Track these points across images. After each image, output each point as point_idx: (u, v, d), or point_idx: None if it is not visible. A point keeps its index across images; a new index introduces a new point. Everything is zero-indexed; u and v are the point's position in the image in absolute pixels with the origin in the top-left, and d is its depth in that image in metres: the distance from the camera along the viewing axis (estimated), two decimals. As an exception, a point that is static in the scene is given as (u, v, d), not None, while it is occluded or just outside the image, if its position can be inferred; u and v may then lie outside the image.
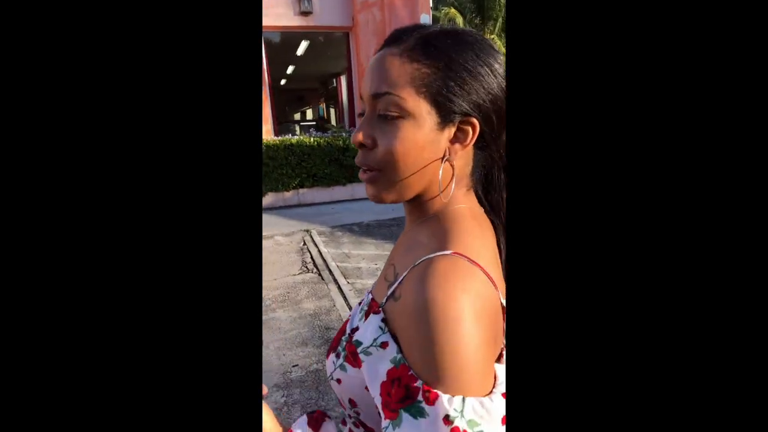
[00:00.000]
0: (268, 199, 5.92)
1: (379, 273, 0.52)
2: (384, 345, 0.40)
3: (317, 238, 4.37)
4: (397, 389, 0.37)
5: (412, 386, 0.36)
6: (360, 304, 0.49)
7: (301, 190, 6.05)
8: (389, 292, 0.43)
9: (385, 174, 0.44)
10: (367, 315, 0.45)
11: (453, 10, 11.32)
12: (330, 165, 5.97)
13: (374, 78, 0.43)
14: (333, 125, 6.38)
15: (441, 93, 0.42)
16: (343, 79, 9.25)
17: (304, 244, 4.27)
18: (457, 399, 0.35)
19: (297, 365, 2.22)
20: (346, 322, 0.50)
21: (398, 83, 0.42)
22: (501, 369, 0.41)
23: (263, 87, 5.79)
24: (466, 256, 0.40)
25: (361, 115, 0.46)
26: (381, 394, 0.39)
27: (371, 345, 0.41)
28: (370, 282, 3.22)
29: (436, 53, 0.42)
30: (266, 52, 5.78)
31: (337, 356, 0.47)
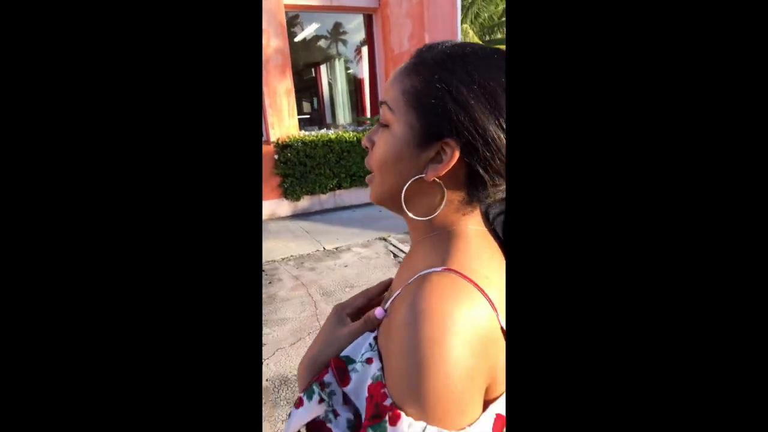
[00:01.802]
0: (303, 204, 5.18)
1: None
2: (369, 360, 0.40)
3: (404, 248, 3.80)
4: (369, 406, 0.37)
5: (382, 404, 0.36)
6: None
7: (337, 192, 5.37)
8: (384, 308, 0.44)
9: (375, 177, 0.46)
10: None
11: None
12: (369, 162, 5.34)
13: (385, 86, 0.45)
14: (368, 118, 5.73)
15: (426, 109, 0.40)
16: (323, 69, 8.53)
17: (395, 256, 3.68)
18: (418, 425, 0.34)
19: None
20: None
21: (393, 94, 0.43)
22: (497, 405, 0.38)
23: (287, 76, 5.02)
24: (461, 274, 0.39)
25: None
26: (366, 410, 0.38)
27: (360, 361, 0.41)
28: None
29: (429, 70, 0.41)
30: (288, 36, 4.99)
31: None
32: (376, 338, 0.42)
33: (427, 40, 5.34)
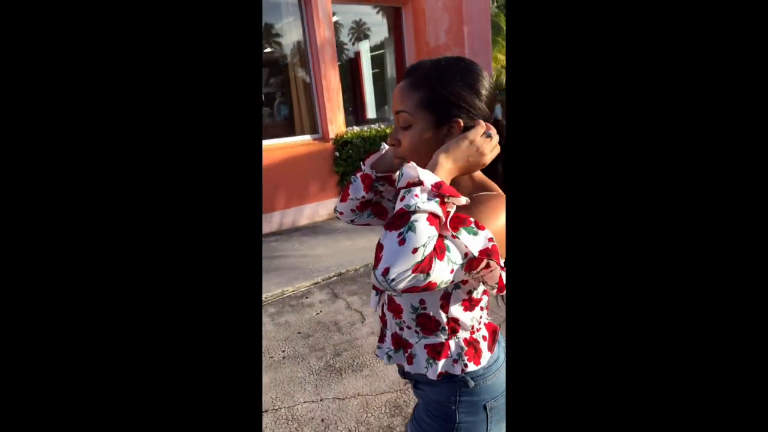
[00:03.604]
0: (360, 202, 4.95)
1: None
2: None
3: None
4: (455, 220, 0.60)
5: (468, 220, 0.60)
6: None
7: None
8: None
9: (406, 159, 0.69)
10: None
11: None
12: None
13: (396, 100, 0.71)
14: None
15: (433, 105, 0.67)
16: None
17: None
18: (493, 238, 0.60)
19: None
20: None
21: (408, 103, 0.68)
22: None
23: (336, 69, 4.78)
24: (503, 195, 0.68)
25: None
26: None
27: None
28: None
29: (428, 81, 0.68)
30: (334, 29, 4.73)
31: None
32: None
33: (465, 33, 5.37)
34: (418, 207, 0.56)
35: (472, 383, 0.74)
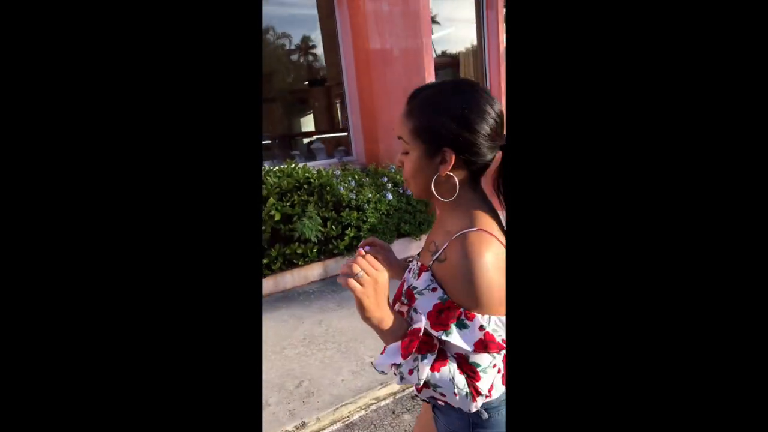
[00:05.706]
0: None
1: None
2: (433, 289, 0.70)
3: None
4: (447, 314, 0.67)
5: (457, 312, 0.66)
6: (410, 271, 0.81)
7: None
8: (434, 258, 0.72)
9: (410, 183, 0.75)
10: (419, 274, 0.74)
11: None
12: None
13: (396, 126, 0.75)
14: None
15: (424, 135, 0.70)
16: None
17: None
18: (485, 316, 0.65)
19: None
20: (402, 282, 0.83)
21: (404, 131, 0.72)
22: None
23: (502, 81, 4.45)
24: (485, 230, 0.68)
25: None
26: (428, 319, 0.68)
27: (424, 289, 0.71)
28: None
29: (421, 110, 0.70)
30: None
31: (402, 302, 0.77)
32: (432, 275, 0.71)
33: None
34: (420, 379, 0.67)
35: (485, 414, 0.76)
